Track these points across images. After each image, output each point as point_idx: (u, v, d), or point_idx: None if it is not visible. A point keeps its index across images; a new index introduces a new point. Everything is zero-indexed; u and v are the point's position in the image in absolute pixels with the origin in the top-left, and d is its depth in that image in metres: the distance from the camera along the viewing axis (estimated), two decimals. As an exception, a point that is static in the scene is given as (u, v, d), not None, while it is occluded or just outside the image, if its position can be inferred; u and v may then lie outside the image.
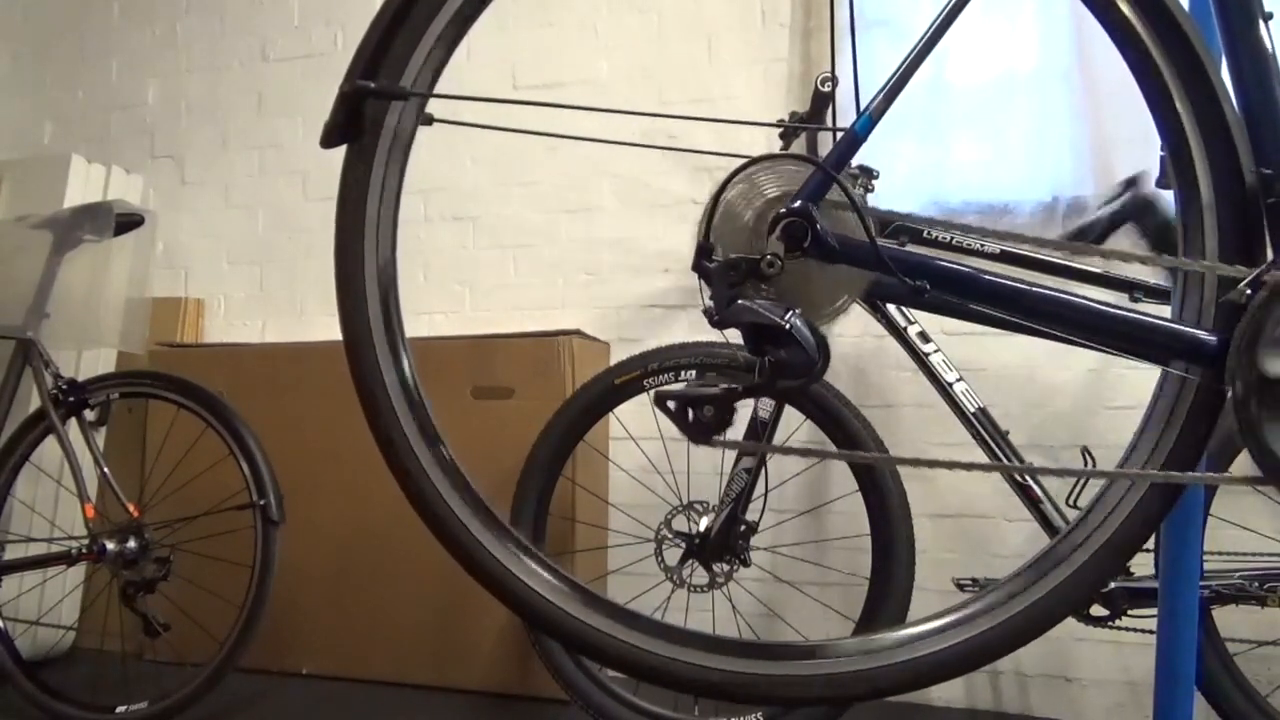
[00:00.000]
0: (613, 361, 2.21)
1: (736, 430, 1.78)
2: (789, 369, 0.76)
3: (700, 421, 0.78)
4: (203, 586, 1.98)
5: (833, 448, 1.74)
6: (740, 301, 0.76)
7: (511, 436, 1.99)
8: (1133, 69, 0.80)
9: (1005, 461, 1.68)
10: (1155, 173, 1.89)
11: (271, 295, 2.80)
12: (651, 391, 1.77)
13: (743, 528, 1.70)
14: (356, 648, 2.29)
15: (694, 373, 1.77)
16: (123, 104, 2.98)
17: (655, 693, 1.59)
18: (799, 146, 1.95)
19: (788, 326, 0.75)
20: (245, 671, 2.03)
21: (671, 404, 0.79)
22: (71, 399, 2.01)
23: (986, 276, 0.80)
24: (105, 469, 1.99)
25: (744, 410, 1.75)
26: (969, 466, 0.85)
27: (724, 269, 0.77)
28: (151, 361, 2.47)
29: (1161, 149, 0.80)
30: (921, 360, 1.70)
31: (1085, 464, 1.63)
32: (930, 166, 2.22)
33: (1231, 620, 1.67)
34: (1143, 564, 1.40)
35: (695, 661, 0.80)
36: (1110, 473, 0.83)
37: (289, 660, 2.33)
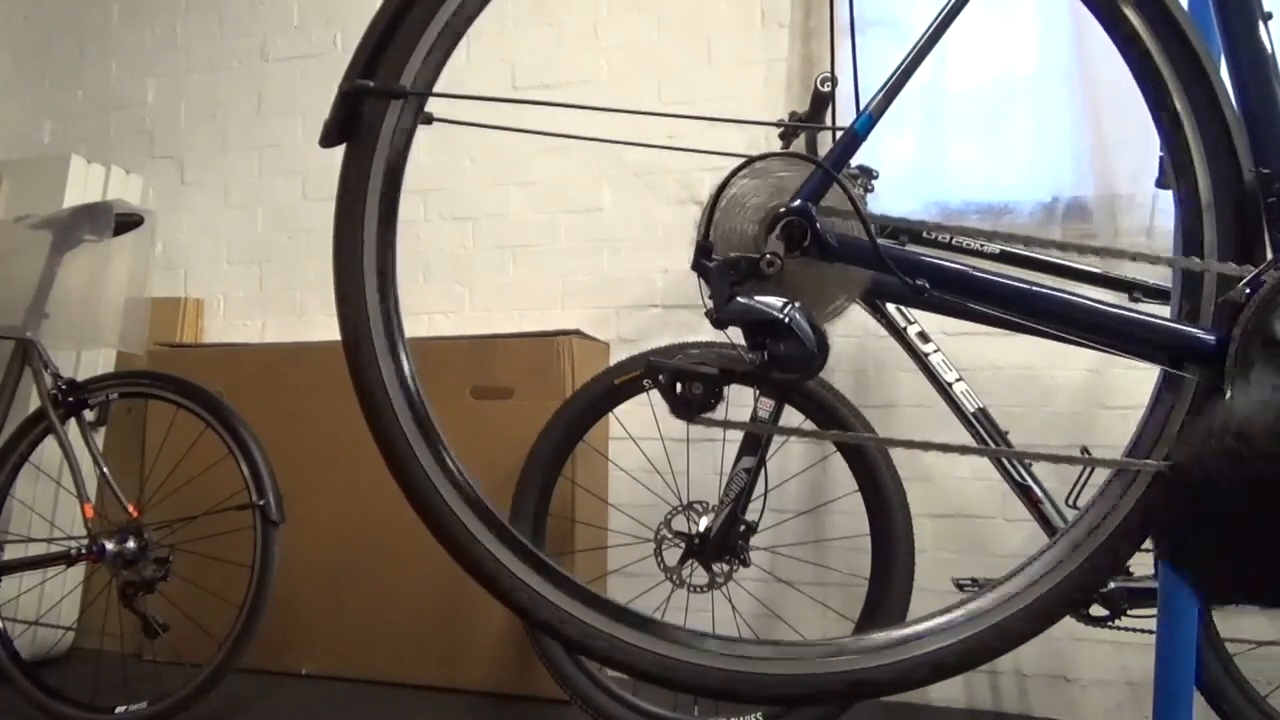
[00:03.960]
0: (612, 361, 2.22)
1: (734, 430, 1.79)
2: (787, 362, 0.76)
3: (688, 398, 0.78)
4: (202, 587, 1.98)
5: (832, 449, 1.74)
6: (738, 298, 0.76)
7: (511, 436, 1.99)
8: (1132, 69, 0.80)
9: (1005, 462, 1.68)
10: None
11: (271, 295, 2.80)
12: (652, 396, 1.77)
13: (742, 528, 1.70)
14: (356, 648, 2.29)
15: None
16: (122, 104, 2.98)
17: (654, 692, 1.59)
18: (799, 146, 1.95)
19: (786, 320, 0.75)
20: (245, 671, 2.03)
21: (662, 377, 0.78)
22: (71, 399, 2.01)
23: (986, 275, 0.80)
24: (105, 469, 1.99)
25: (743, 411, 1.75)
26: (958, 449, 0.85)
27: (723, 268, 0.77)
28: (151, 361, 2.46)
29: (1161, 149, 0.81)
30: (921, 360, 1.70)
31: (1084, 465, 1.63)
32: (930, 167, 2.22)
33: (1231, 620, 1.67)
34: (1143, 564, 1.40)
35: (695, 661, 0.80)
36: (1103, 461, 0.83)
37: (289, 660, 2.33)
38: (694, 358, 0.79)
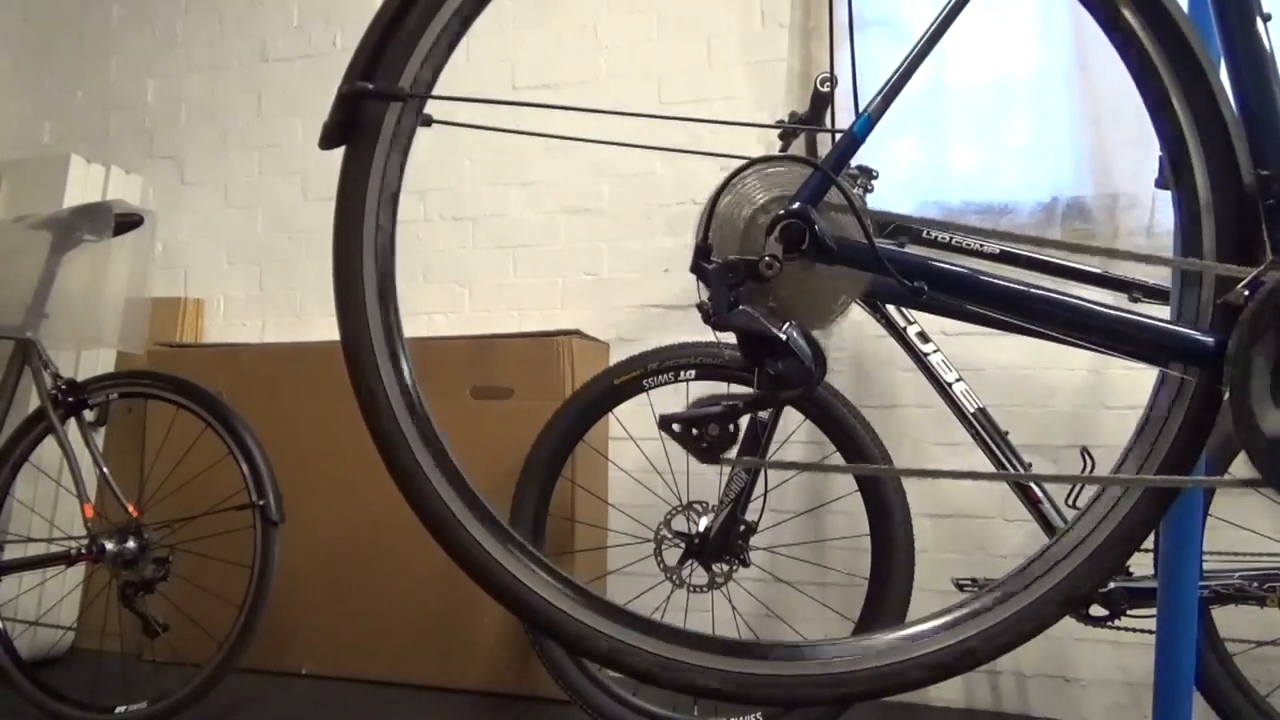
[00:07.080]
0: (612, 361, 2.22)
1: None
2: (787, 379, 0.76)
3: (706, 441, 0.79)
4: (202, 586, 1.98)
5: (832, 448, 1.74)
6: (742, 307, 0.76)
7: (511, 436, 1.99)
8: (1131, 70, 0.80)
9: (1005, 462, 1.68)
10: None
11: (271, 295, 2.80)
12: (652, 396, 1.78)
13: (742, 528, 1.70)
14: (356, 648, 2.29)
15: (693, 372, 1.78)
16: (122, 104, 2.98)
17: (654, 693, 1.59)
18: (799, 147, 1.95)
19: (785, 339, 0.75)
20: (245, 671, 2.03)
21: (677, 427, 0.80)
22: (71, 399, 2.01)
23: (984, 277, 0.80)
24: (104, 469, 1.99)
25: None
26: (969, 475, 0.85)
27: (722, 270, 0.77)
28: (151, 361, 2.47)
29: (1160, 150, 0.81)
30: (921, 360, 1.70)
31: (1084, 464, 1.63)
32: (930, 167, 2.22)
33: (1231, 620, 1.67)
34: (1142, 564, 1.40)
35: (693, 662, 0.80)
36: (1108, 479, 0.83)
37: (288, 660, 2.33)
38: (701, 401, 0.81)
